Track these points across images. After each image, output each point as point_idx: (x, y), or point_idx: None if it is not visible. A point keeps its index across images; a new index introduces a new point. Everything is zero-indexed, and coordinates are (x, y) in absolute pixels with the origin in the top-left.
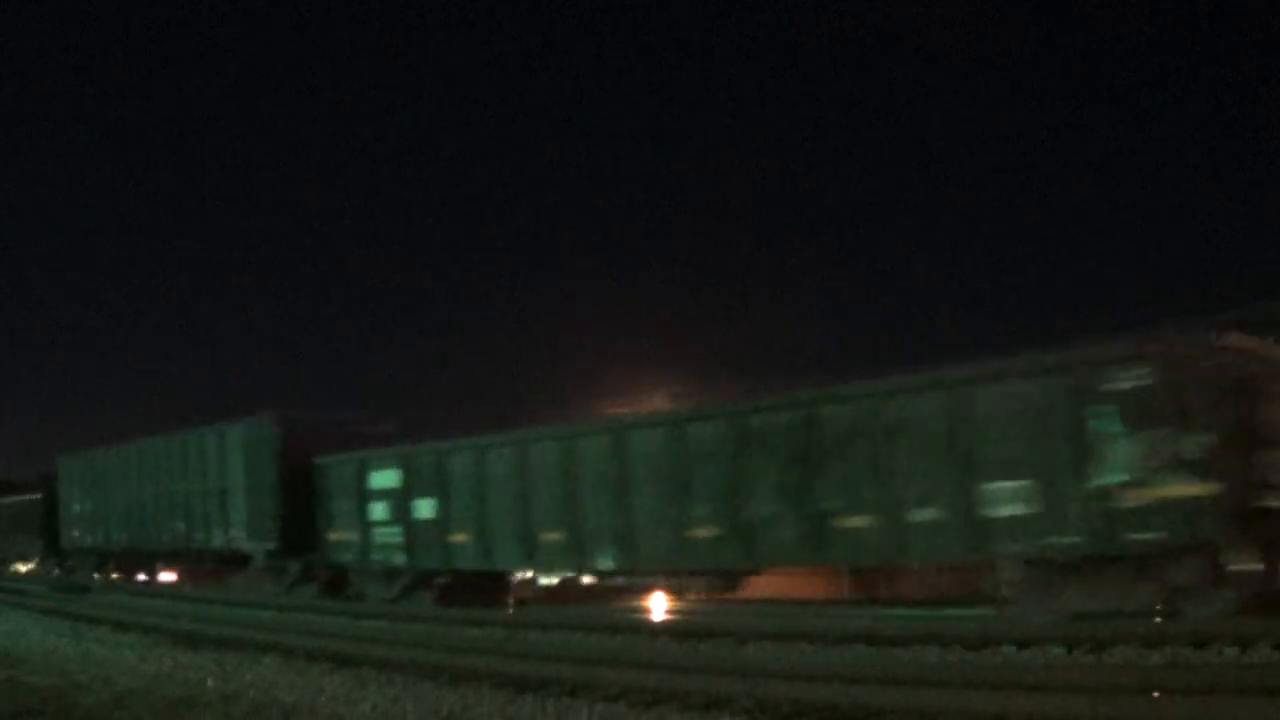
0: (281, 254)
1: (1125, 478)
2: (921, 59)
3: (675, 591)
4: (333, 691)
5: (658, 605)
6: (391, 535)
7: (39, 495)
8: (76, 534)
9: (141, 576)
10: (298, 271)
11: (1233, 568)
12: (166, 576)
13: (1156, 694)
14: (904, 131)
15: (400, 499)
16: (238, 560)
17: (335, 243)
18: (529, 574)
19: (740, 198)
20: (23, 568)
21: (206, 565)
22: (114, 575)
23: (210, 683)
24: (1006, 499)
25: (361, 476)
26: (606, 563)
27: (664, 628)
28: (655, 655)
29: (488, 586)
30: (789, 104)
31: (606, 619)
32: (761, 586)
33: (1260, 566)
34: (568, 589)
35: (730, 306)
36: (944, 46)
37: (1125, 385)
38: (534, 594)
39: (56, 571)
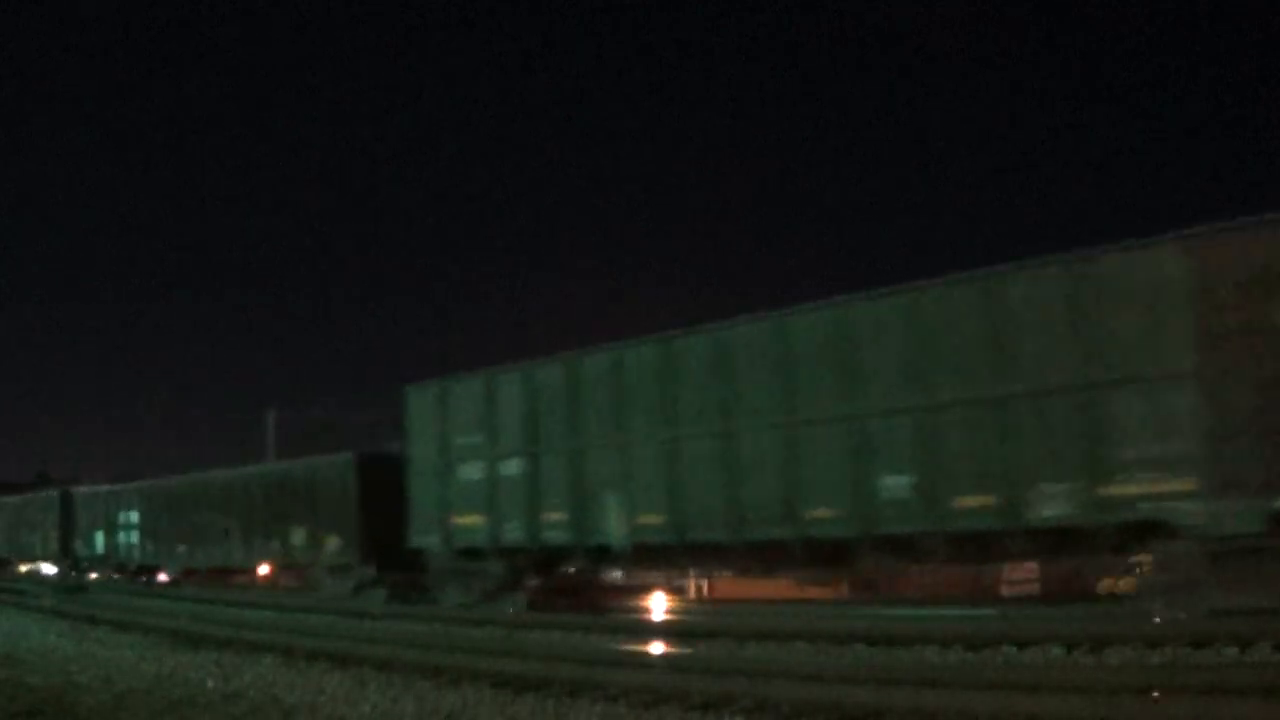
0: (281, 254)
1: None
2: (921, 59)
3: None
4: (333, 691)
5: (658, 605)
6: None
7: (339, 457)
8: (467, 522)
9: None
10: (298, 271)
11: None
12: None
13: (1156, 694)
14: (904, 131)
15: None
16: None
17: (335, 243)
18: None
19: (740, 197)
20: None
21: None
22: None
23: (210, 683)
24: None
25: None
26: None
27: (664, 628)
28: (655, 655)
29: None
30: (789, 104)
31: (606, 619)
32: (762, 587)
33: None
34: None
35: (731, 306)
36: (944, 46)
37: None
38: None
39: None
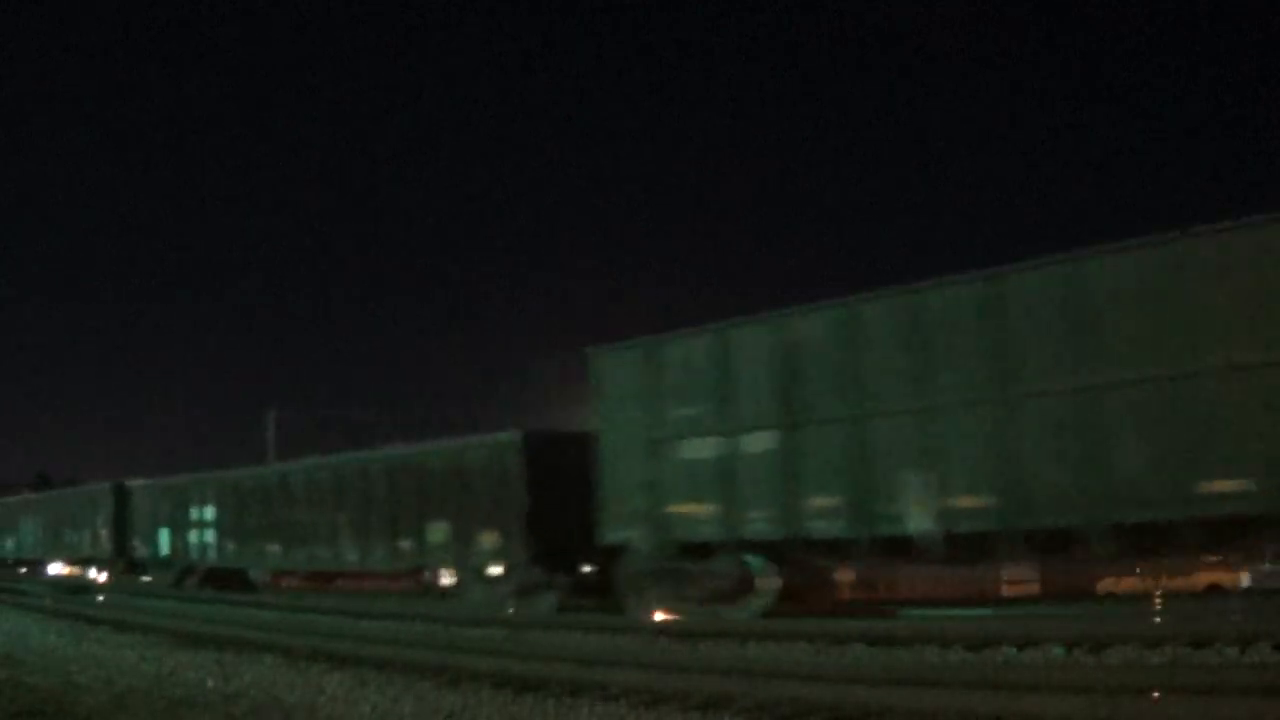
0: (281, 254)
1: None
2: (921, 59)
3: None
4: (333, 691)
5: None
6: None
7: (499, 436)
8: (690, 511)
9: None
10: (298, 271)
11: None
12: None
13: (1156, 694)
14: (904, 131)
15: None
16: None
17: (335, 243)
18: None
19: (740, 197)
20: None
21: None
22: None
23: (210, 683)
24: None
25: None
26: None
27: (664, 627)
28: (656, 655)
29: None
30: (789, 104)
31: (606, 619)
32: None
33: None
34: None
35: (731, 307)
36: (944, 46)
37: None
38: None
39: None
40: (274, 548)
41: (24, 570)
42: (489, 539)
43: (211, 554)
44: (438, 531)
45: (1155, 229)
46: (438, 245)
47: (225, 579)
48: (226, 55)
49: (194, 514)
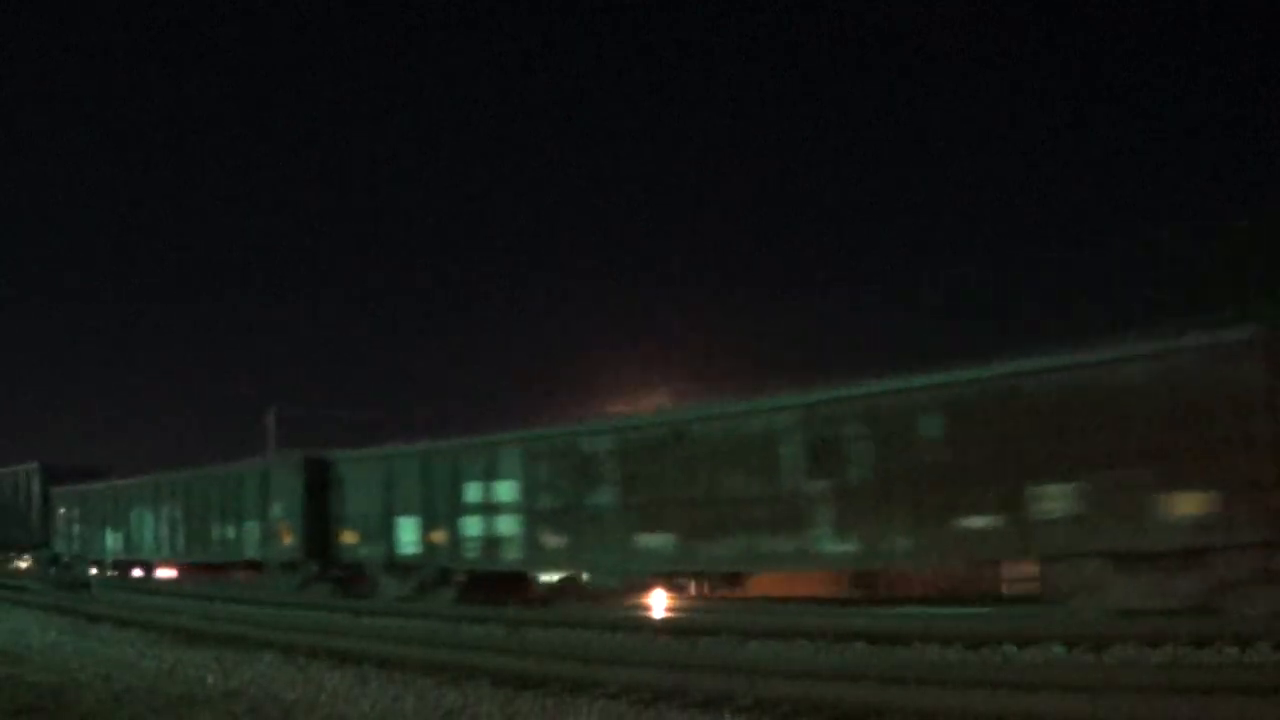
0: (282, 254)
1: None
2: (921, 59)
3: None
4: (333, 689)
5: (658, 603)
6: None
7: (1189, 340)
8: None
9: None
10: (298, 271)
11: None
12: None
13: (1156, 694)
14: (904, 131)
15: None
16: None
17: (335, 243)
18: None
19: (740, 198)
20: None
21: None
22: None
23: (210, 680)
24: None
25: None
26: None
27: (664, 626)
28: (655, 653)
29: None
30: (789, 104)
31: (607, 617)
32: (763, 586)
33: None
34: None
35: (731, 307)
36: (944, 46)
37: None
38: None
39: None
40: (655, 540)
41: (125, 574)
42: (1186, 503)
43: (513, 551)
44: (1056, 497)
45: (1156, 229)
46: (438, 245)
47: (503, 588)
48: (226, 55)
49: (473, 494)
